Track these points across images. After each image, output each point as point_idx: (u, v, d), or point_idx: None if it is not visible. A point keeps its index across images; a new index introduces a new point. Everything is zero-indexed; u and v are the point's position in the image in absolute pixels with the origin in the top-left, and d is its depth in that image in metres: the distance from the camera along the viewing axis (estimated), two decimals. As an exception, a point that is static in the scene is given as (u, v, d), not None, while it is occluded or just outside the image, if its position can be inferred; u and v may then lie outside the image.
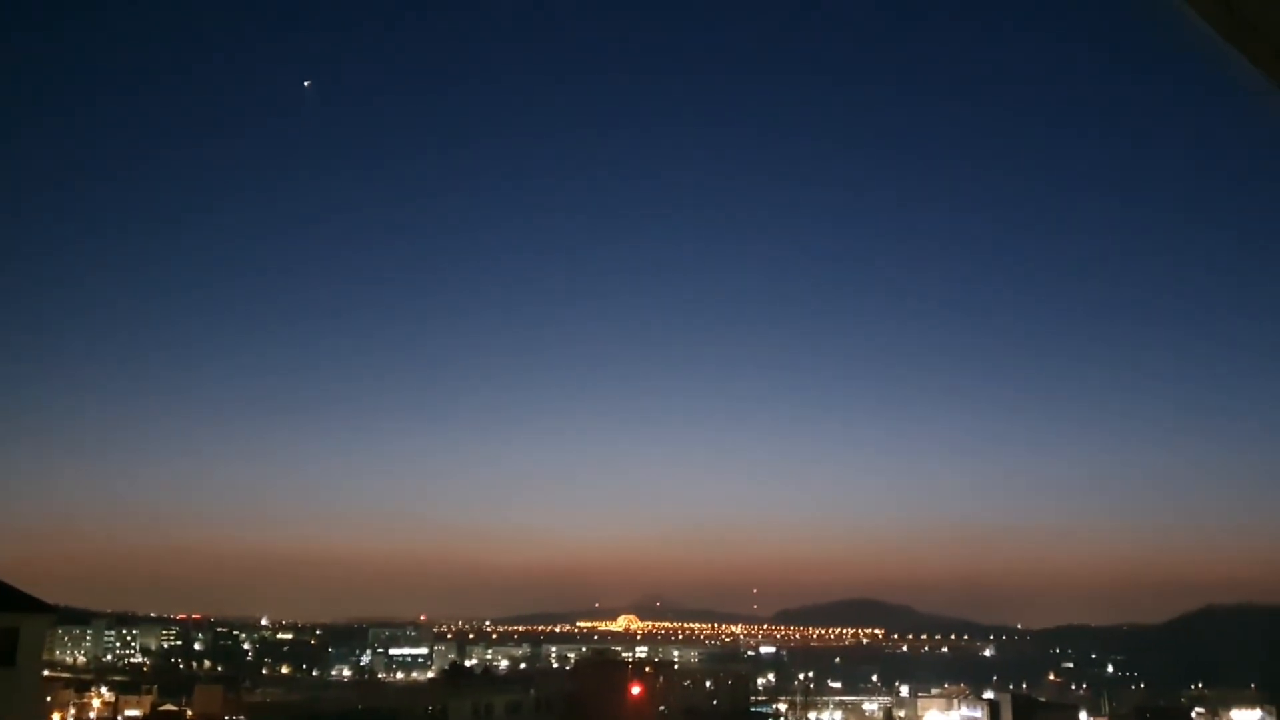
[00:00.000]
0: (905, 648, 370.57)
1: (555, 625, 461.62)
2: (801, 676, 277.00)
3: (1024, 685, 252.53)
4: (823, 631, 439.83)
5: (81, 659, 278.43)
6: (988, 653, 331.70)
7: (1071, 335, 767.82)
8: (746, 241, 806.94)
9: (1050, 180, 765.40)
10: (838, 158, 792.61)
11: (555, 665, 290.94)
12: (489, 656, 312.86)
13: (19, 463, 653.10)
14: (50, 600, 40.74)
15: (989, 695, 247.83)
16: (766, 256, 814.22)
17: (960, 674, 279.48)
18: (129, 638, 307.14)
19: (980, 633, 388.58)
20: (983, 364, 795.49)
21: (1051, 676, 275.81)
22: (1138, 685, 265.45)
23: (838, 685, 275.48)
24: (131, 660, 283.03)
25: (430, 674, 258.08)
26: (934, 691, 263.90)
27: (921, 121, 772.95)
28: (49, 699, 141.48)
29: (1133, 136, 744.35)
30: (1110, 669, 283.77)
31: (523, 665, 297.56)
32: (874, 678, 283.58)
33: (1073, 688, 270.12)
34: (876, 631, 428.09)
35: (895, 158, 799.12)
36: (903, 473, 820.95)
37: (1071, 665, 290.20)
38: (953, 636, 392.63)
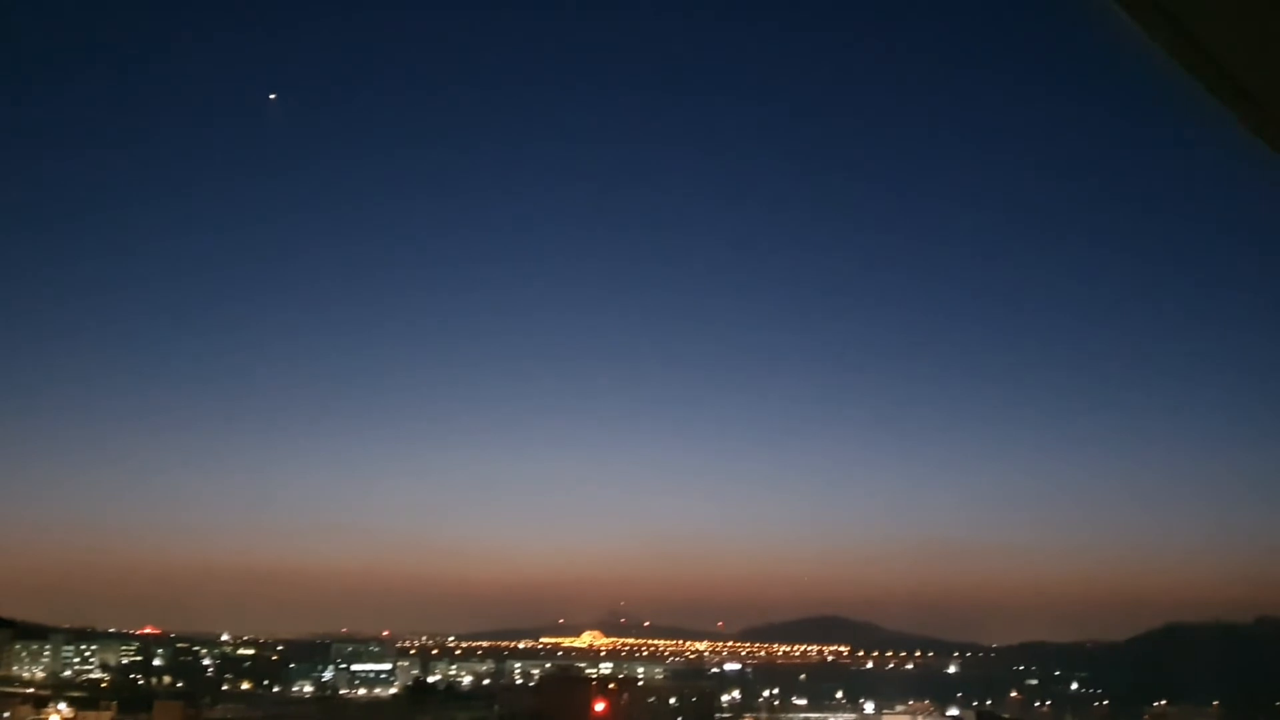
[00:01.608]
0: (870, 664, 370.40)
1: (519, 641, 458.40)
2: (766, 693, 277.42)
3: (988, 702, 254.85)
4: (788, 648, 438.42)
5: (39, 674, 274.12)
6: (952, 669, 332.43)
7: (1034, 351, 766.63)
8: (715, 260, 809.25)
9: (1033, 197, 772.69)
10: (817, 170, 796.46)
11: (519, 681, 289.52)
12: (453, 672, 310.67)
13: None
14: (6, 615, 40.15)
15: (953, 712, 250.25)
16: (736, 274, 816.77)
17: (925, 691, 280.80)
18: (87, 653, 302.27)
19: (945, 649, 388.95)
20: (946, 380, 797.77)
21: (1015, 694, 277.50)
22: (1101, 702, 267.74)
23: (802, 702, 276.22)
24: (90, 676, 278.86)
25: (394, 690, 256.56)
26: (899, 708, 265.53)
27: (916, 133, 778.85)
28: (6, 715, 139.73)
29: (1110, 158, 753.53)
30: (1074, 686, 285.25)
31: (486, 681, 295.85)
32: (839, 695, 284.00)
33: (1036, 705, 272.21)
34: (841, 648, 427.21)
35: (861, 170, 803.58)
36: (869, 490, 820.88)
37: (1035, 682, 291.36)
38: (918, 653, 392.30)
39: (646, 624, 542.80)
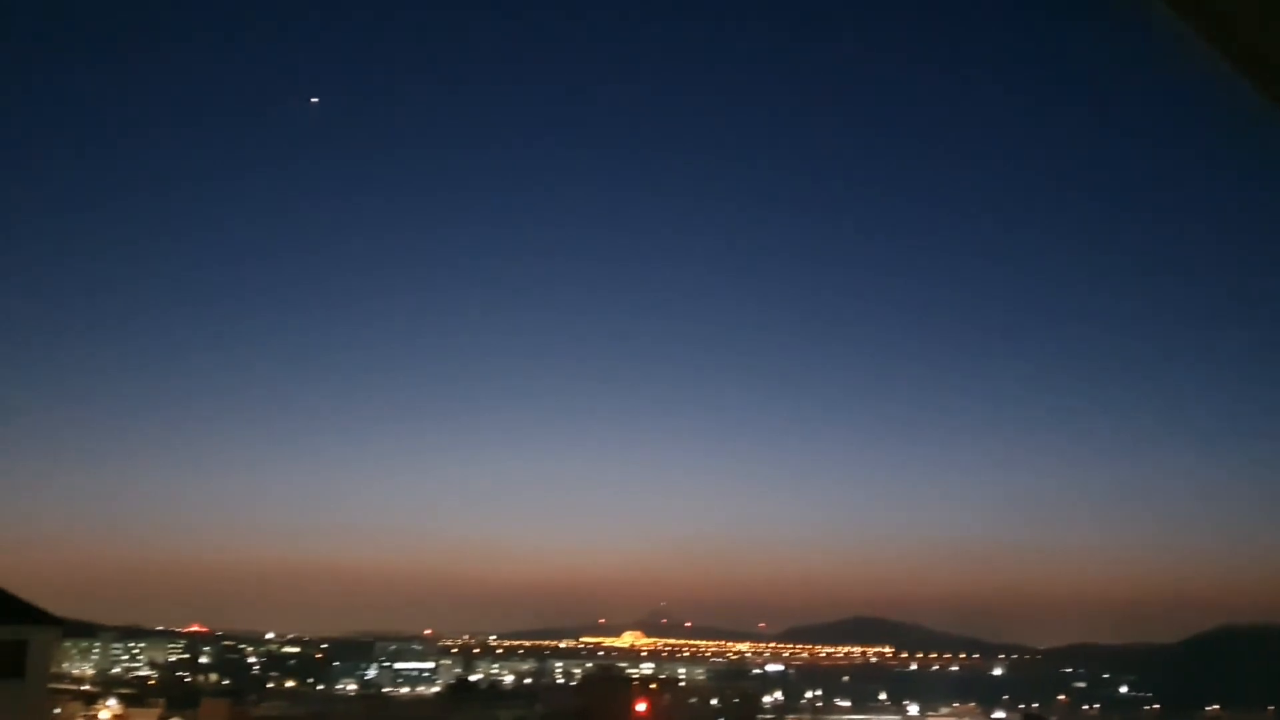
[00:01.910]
0: (914, 666, 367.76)
1: (560, 641, 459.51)
2: (809, 695, 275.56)
3: (1035, 705, 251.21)
4: (831, 649, 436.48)
5: (89, 672, 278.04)
6: (997, 671, 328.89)
7: (1083, 353, 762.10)
8: (755, 267, 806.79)
9: (1058, 189, 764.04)
10: (843, 157, 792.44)
11: (561, 681, 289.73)
12: (494, 671, 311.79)
13: (27, 475, 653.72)
14: (58, 613, 40.33)
15: (999, 715, 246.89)
16: (777, 280, 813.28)
17: (970, 693, 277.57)
18: (136, 651, 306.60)
19: (990, 651, 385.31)
20: (993, 381, 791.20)
21: (1062, 697, 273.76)
22: (1151, 706, 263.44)
23: (846, 704, 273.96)
24: (138, 673, 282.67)
25: (436, 688, 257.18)
26: (943, 711, 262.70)
27: (937, 134, 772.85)
28: (57, 711, 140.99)
29: (1135, 147, 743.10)
30: (1123, 689, 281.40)
31: (528, 680, 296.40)
32: (882, 696, 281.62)
33: (1084, 708, 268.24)
34: (885, 650, 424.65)
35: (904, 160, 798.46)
36: (914, 490, 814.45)
37: (1083, 685, 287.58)
38: (962, 655, 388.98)
39: (688, 624, 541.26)
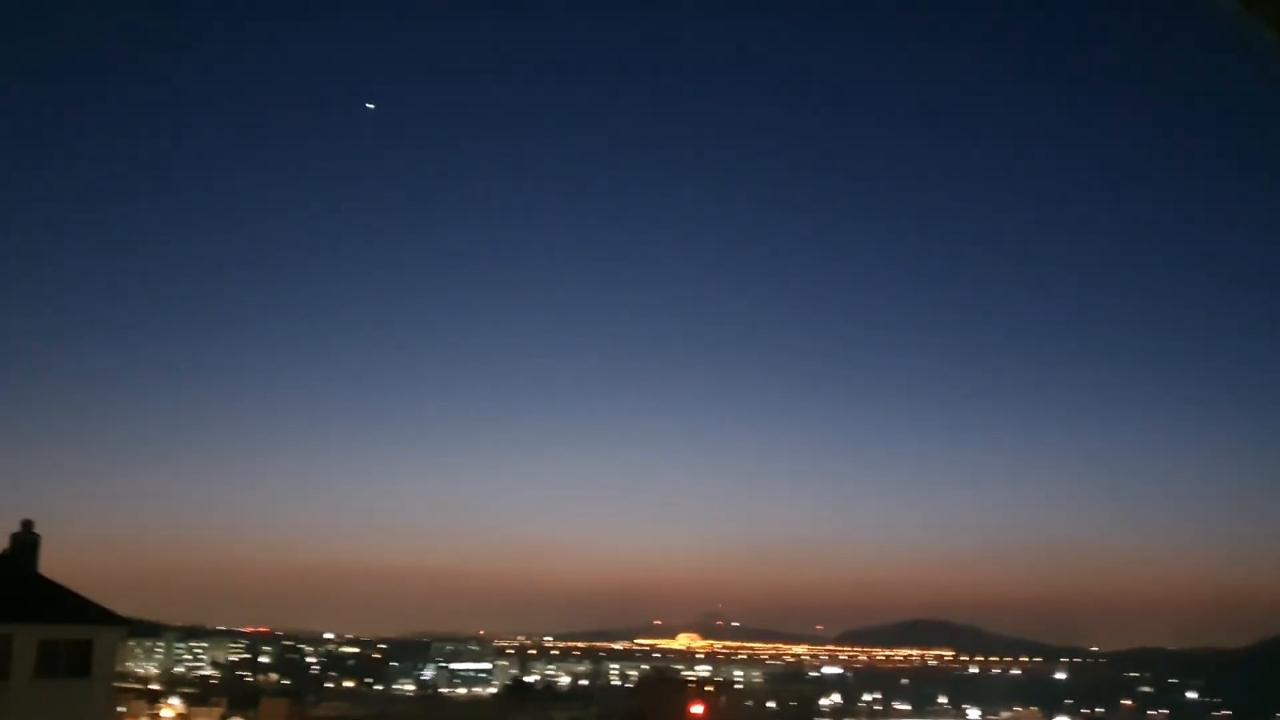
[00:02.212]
0: (974, 669, 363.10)
1: (615, 642, 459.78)
2: (867, 698, 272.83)
3: (1098, 710, 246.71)
4: (889, 652, 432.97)
5: (153, 670, 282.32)
6: (1060, 675, 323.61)
7: (1157, 351, 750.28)
8: (810, 269, 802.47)
9: (1097, 175, 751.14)
10: (876, 154, 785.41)
11: (616, 683, 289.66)
12: (550, 672, 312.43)
13: (91, 478, 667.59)
14: (122, 613, 40.54)
15: (1062, 719, 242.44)
16: (831, 276, 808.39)
17: (1031, 697, 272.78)
18: (198, 650, 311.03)
19: (1052, 654, 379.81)
20: (1060, 381, 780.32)
21: (1127, 702, 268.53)
22: (1220, 712, 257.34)
23: (905, 707, 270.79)
24: (201, 672, 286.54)
25: (492, 689, 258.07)
26: (1004, 715, 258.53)
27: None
28: (122, 710, 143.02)
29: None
30: (1190, 695, 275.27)
31: (583, 682, 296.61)
32: (942, 700, 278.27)
33: (1149, 713, 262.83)
34: (944, 652, 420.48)
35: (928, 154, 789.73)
36: (972, 490, 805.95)
37: (1149, 690, 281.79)
38: (1023, 658, 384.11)
39: (742, 626, 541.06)
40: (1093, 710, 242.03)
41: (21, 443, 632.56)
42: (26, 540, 40.71)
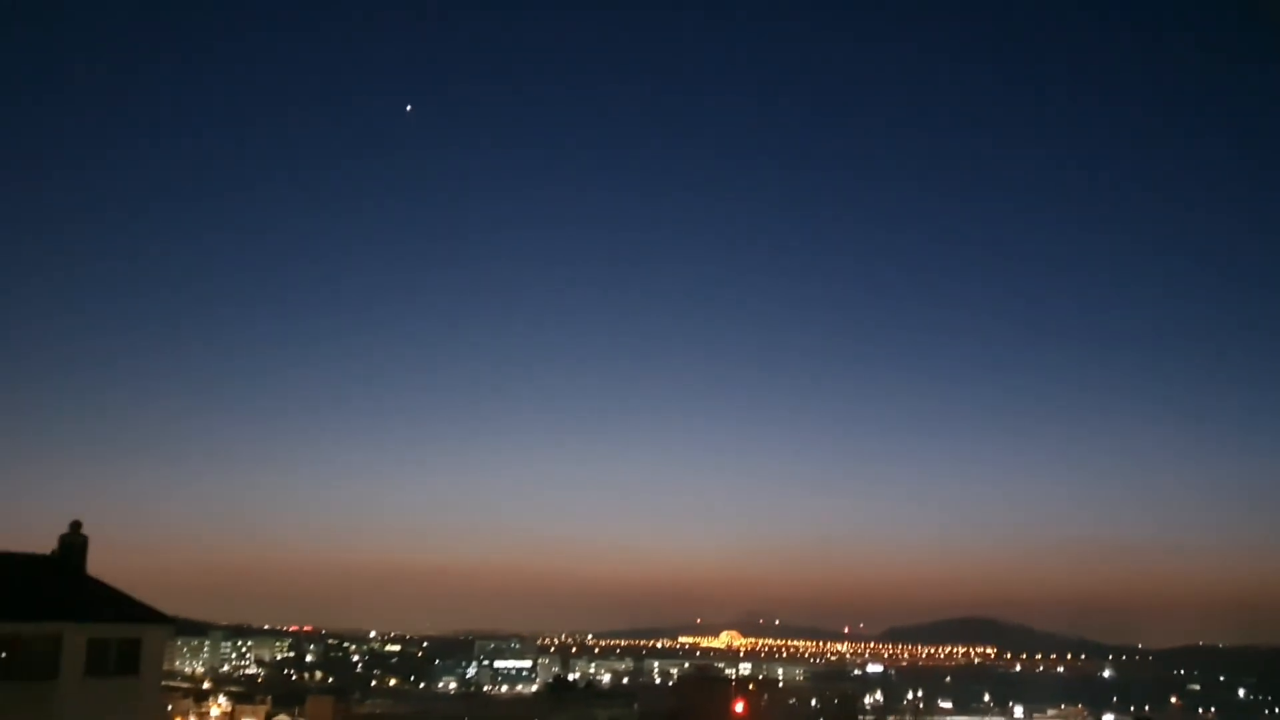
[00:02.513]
0: (1019, 667, 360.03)
1: (657, 640, 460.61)
2: (910, 695, 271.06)
3: (1146, 708, 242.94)
4: (932, 650, 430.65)
5: (199, 669, 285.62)
6: (1106, 673, 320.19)
7: (1209, 349, 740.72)
8: (849, 268, 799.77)
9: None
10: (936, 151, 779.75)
11: (658, 680, 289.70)
12: (592, 670, 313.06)
13: (139, 480, 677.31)
14: (169, 612, 40.94)
15: (1109, 718, 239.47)
16: (870, 277, 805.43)
17: (1077, 695, 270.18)
18: (244, 649, 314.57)
19: (1099, 652, 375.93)
20: (1101, 376, 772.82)
21: (1176, 700, 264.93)
22: (1273, 710, 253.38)
23: (948, 705, 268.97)
24: (246, 671, 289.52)
25: (535, 687, 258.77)
26: (1050, 713, 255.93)
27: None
28: (169, 707, 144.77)
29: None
30: (1241, 692, 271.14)
31: (625, 679, 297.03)
32: (986, 697, 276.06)
33: (1199, 711, 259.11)
34: (988, 650, 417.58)
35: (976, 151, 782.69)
36: (1017, 488, 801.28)
37: (1198, 688, 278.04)
38: (1069, 656, 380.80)
39: (784, 624, 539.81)
40: (1141, 708, 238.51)
41: (70, 446, 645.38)
42: (75, 541, 41.17)
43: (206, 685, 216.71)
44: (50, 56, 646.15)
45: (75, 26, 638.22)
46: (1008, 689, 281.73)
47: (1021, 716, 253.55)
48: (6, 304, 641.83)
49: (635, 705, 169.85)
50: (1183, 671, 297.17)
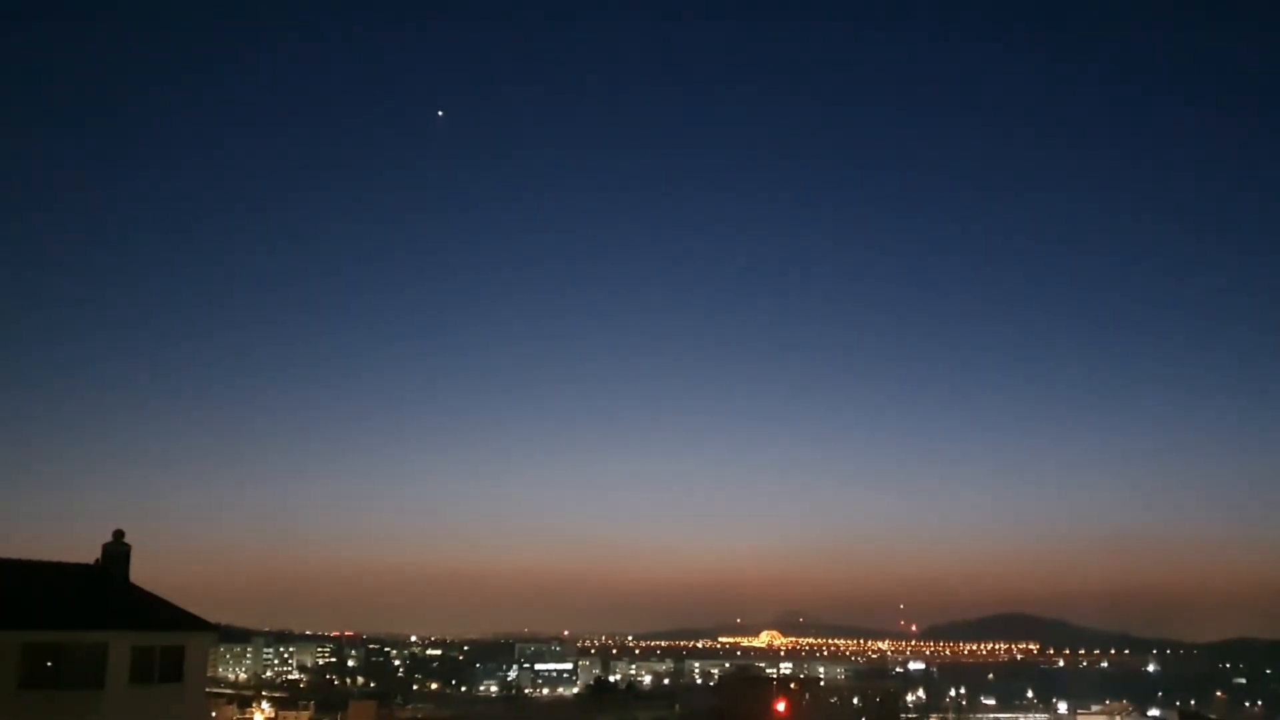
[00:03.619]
0: (1061, 663, 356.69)
1: (697, 640, 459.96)
2: (953, 693, 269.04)
3: (1192, 702, 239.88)
4: (974, 647, 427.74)
5: (242, 675, 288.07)
6: (1150, 668, 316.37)
7: (1247, 340, 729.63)
8: (891, 266, 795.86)
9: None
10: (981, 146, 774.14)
11: (699, 681, 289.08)
12: (632, 671, 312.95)
13: (182, 490, 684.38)
14: (213, 619, 41.41)
15: (1154, 713, 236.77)
16: (904, 274, 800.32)
17: (1122, 690, 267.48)
18: (286, 654, 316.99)
19: (1142, 647, 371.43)
20: (1137, 368, 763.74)
21: (1221, 694, 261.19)
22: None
23: (991, 702, 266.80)
24: (289, 676, 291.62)
25: (575, 689, 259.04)
26: (1094, 708, 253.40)
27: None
28: (214, 714, 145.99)
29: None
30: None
31: (666, 680, 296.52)
32: (1029, 694, 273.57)
33: (1245, 705, 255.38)
34: (1030, 646, 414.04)
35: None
36: (1054, 482, 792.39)
37: (1244, 681, 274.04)
38: (1112, 651, 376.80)
39: (824, 623, 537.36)
40: (1186, 703, 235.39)
41: (113, 458, 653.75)
42: (118, 550, 41.67)
43: (250, 691, 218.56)
44: (90, 64, 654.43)
45: (105, 34, 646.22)
46: (1051, 685, 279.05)
47: (1066, 713, 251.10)
48: (53, 319, 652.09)
49: (676, 706, 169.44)
50: (1228, 665, 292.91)
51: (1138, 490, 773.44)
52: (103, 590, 39.92)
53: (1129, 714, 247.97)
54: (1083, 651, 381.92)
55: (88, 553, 41.34)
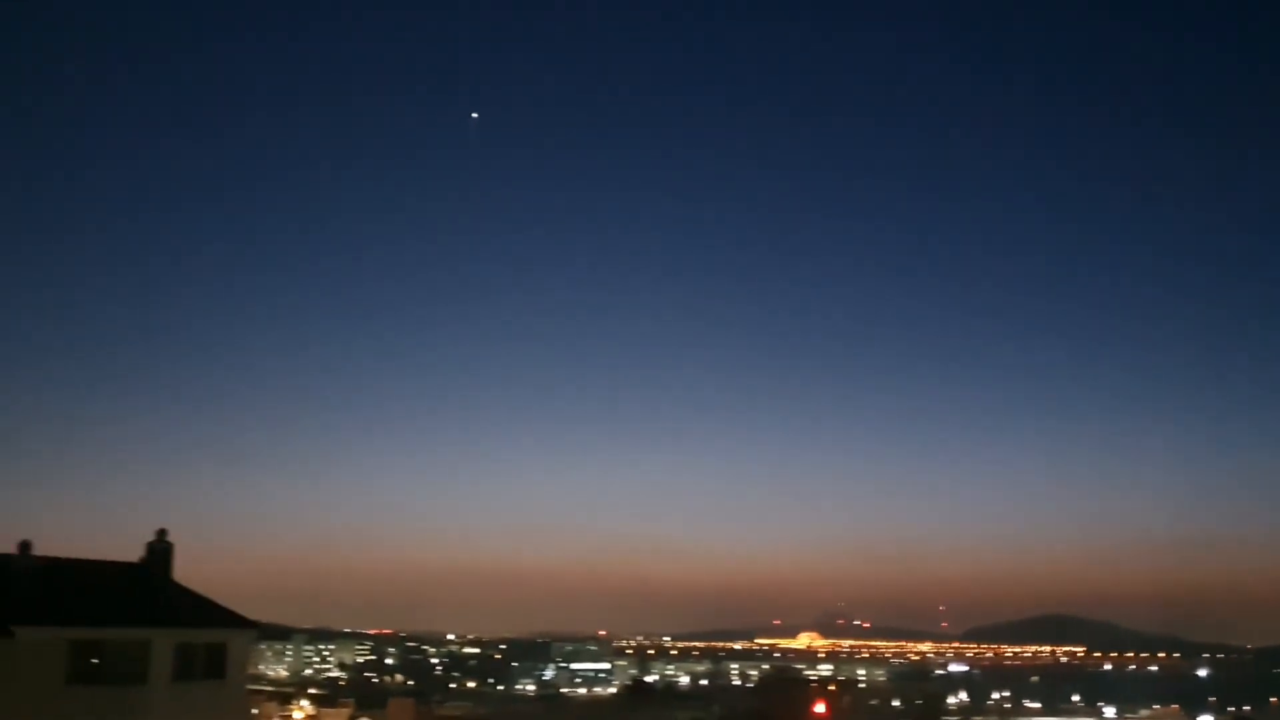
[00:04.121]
0: (1108, 666, 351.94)
1: (734, 642, 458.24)
2: (995, 696, 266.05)
3: (1245, 707, 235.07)
4: (1017, 649, 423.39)
5: (283, 672, 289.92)
6: (1201, 672, 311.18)
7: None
8: (942, 264, 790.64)
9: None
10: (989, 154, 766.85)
11: (737, 682, 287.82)
12: (670, 672, 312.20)
13: (223, 489, 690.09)
14: (253, 617, 41.11)
15: (1206, 718, 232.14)
16: (949, 269, 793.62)
17: (1171, 694, 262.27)
18: (325, 652, 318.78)
19: (1192, 650, 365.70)
20: (1190, 364, 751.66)
21: (1276, 699, 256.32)
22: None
23: (1035, 705, 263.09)
24: (329, 674, 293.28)
25: (612, 689, 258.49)
26: (1143, 713, 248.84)
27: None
28: (255, 710, 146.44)
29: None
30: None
31: (703, 681, 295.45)
32: (1075, 698, 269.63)
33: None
34: (1076, 649, 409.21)
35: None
36: (1103, 480, 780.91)
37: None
38: (1161, 654, 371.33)
39: (865, 624, 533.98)
40: (1238, 708, 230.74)
41: (155, 458, 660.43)
42: (160, 549, 41.52)
43: (290, 688, 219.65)
44: (98, 56, 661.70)
45: (123, 25, 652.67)
46: (1097, 688, 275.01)
47: (1113, 717, 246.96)
48: (93, 321, 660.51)
49: (714, 707, 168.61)
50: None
51: (1189, 488, 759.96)
52: (146, 588, 39.93)
53: (1179, 719, 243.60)
54: (1130, 654, 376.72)
55: (131, 551, 41.37)
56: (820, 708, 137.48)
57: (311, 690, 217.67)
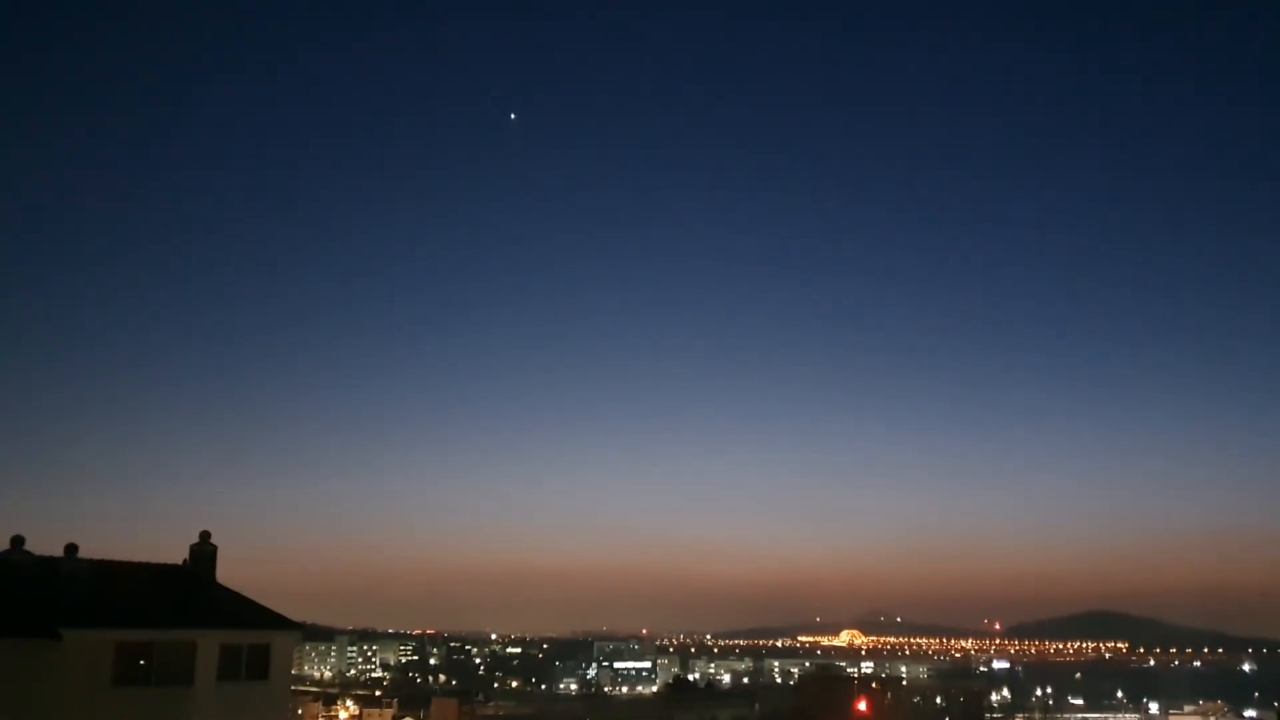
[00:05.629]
0: (1152, 662, 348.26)
1: (776, 639, 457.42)
2: (1039, 692, 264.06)
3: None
4: (1060, 645, 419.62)
5: (327, 673, 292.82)
6: (1246, 667, 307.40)
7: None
8: (983, 264, 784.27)
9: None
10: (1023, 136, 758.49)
11: (778, 680, 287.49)
12: (711, 670, 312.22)
13: (267, 492, 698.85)
14: (297, 618, 41.96)
15: (1250, 714, 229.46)
16: (983, 272, 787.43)
17: (1216, 690, 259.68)
18: (369, 653, 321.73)
19: (1237, 646, 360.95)
20: (1235, 359, 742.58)
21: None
22: None
23: (1079, 702, 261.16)
24: (372, 674, 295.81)
25: (655, 687, 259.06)
26: (1187, 709, 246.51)
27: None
28: (299, 711, 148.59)
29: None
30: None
31: (745, 679, 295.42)
32: (1119, 694, 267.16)
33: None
34: (1120, 645, 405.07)
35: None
36: (1148, 477, 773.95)
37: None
38: (1205, 650, 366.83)
39: (906, 621, 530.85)
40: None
41: (200, 461, 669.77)
42: (205, 551, 42.38)
43: (334, 689, 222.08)
44: (147, 65, 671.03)
45: (159, 35, 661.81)
46: (1141, 685, 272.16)
47: (1157, 713, 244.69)
48: (140, 328, 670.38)
49: (756, 705, 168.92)
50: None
51: (1232, 484, 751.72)
52: (191, 590, 40.73)
53: (1224, 715, 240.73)
54: (1174, 650, 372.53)
55: (176, 554, 42.27)
56: (862, 705, 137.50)
57: (356, 690, 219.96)
